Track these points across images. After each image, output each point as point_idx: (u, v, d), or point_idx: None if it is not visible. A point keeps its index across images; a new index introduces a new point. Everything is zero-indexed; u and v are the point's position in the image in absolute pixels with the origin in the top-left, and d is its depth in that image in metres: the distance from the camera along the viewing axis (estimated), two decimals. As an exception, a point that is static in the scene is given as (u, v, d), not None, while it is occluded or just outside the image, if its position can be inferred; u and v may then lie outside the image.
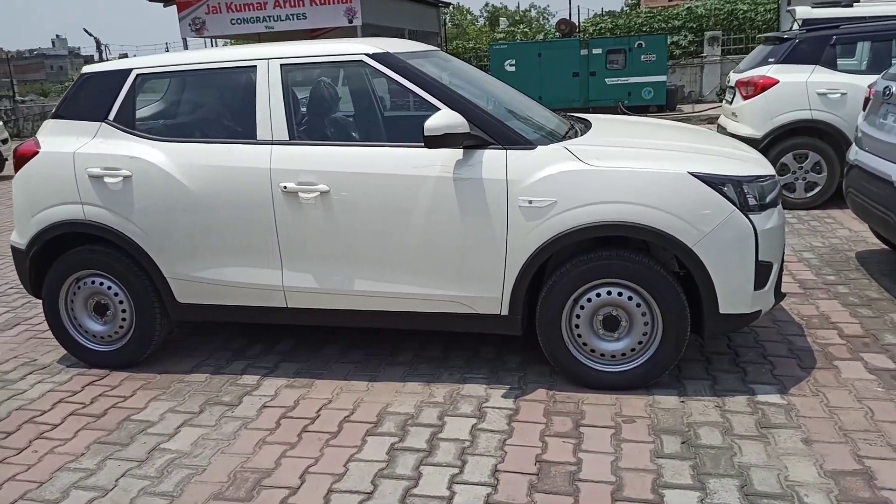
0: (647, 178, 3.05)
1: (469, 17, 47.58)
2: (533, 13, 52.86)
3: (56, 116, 3.76)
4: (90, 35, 22.18)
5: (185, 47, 15.31)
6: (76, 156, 3.60)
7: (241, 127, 3.54)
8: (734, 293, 3.11)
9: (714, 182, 3.04)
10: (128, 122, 3.64)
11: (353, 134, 3.63)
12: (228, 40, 14.38)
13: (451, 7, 20.46)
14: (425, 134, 3.03)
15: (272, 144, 3.42)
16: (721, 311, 3.12)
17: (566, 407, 3.16)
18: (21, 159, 3.73)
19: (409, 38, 17.48)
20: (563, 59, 16.37)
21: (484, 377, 3.49)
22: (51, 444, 3.10)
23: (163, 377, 3.70)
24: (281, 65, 3.47)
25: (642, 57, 16.05)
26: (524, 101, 4.22)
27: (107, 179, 3.55)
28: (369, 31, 17.69)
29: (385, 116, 3.79)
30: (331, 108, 3.72)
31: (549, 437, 2.92)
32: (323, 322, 3.57)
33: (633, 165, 3.08)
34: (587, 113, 15.72)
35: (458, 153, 3.21)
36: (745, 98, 6.77)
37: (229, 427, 3.15)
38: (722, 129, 7.36)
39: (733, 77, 7.31)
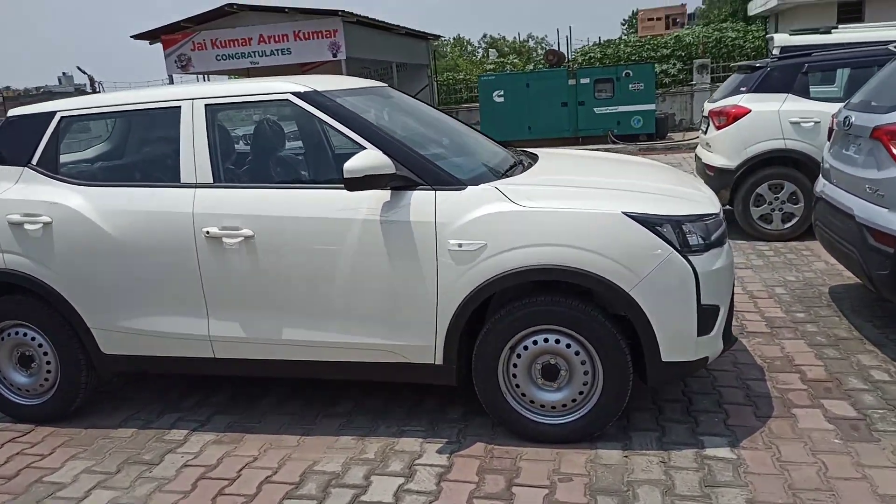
0: (579, 218, 2.89)
1: (469, 47, 48.00)
2: (531, 43, 53.30)
3: (-22, 161, 3.63)
4: (84, 73, 22.33)
5: (172, 83, 15.34)
6: (-6, 203, 3.47)
7: (165, 170, 3.40)
8: (676, 340, 2.93)
9: (650, 222, 2.87)
10: (51, 167, 3.50)
11: (279, 176, 3.49)
12: (207, 77, 14.39)
13: (440, 39, 20.50)
14: (345, 176, 2.88)
15: (195, 188, 3.28)
16: (663, 359, 2.94)
17: (502, 463, 2.96)
18: (-57, 205, 3.58)
19: (398, 72, 17.62)
20: (552, 89, 16.35)
21: (422, 430, 3.30)
22: (-50, 510, 2.91)
23: (88, 433, 3.51)
24: (205, 105, 3.33)
25: (630, 86, 16.00)
26: (470, 136, 4.10)
27: (27, 226, 3.41)
28: (355, 64, 17.75)
29: (311, 157, 3.65)
30: (257, 149, 3.58)
31: (478, 500, 2.72)
32: (253, 373, 3.39)
33: (565, 206, 2.92)
34: (577, 143, 15.79)
35: (385, 195, 3.06)
36: (718, 128, 6.64)
37: (143, 489, 2.95)
38: (698, 160, 7.23)
39: (707, 106, 7.19)
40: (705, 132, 7.08)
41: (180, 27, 13.89)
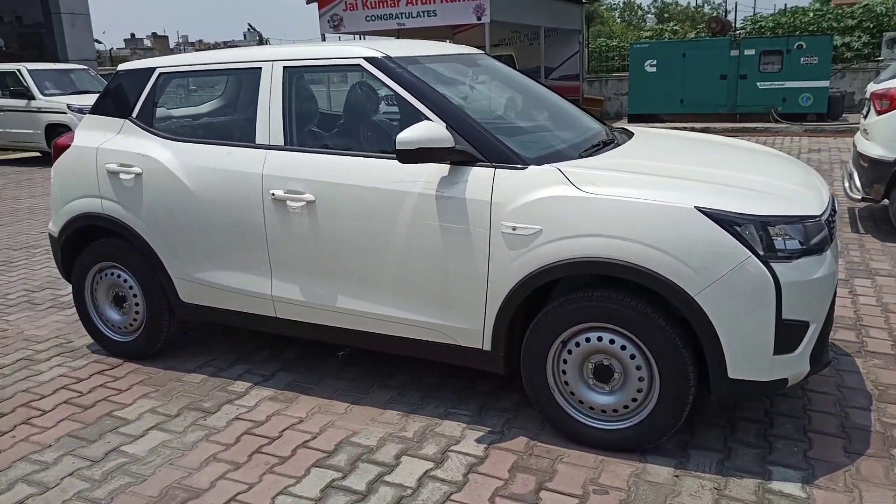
0: (644, 210, 2.60)
1: (639, 13, 45.70)
2: (706, 9, 49.87)
3: (93, 111, 3.89)
4: (253, 30, 23.68)
5: (324, 41, 15.87)
6: (98, 151, 3.71)
7: (244, 129, 3.46)
8: (747, 355, 2.58)
9: (726, 220, 2.53)
10: (147, 120, 3.68)
11: (347, 142, 3.43)
12: (362, 36, 14.70)
13: (596, 4, 19.60)
14: (396, 147, 2.78)
15: (267, 149, 3.31)
16: (730, 375, 2.61)
17: (539, 463, 2.79)
18: (57, 151, 3.90)
19: (546, 37, 17.10)
20: (711, 59, 15.18)
21: (468, 415, 3.18)
22: (30, 430, 3.19)
23: (165, 374, 3.73)
24: (284, 67, 3.34)
25: (802, 59, 14.51)
26: (564, 111, 3.83)
27: (121, 176, 3.61)
28: (501, 28, 17.43)
29: (381, 125, 3.56)
30: (329, 114, 3.55)
31: (501, 499, 2.57)
32: (309, 336, 3.42)
33: (631, 194, 2.64)
34: (734, 120, 14.64)
35: (443, 169, 2.92)
36: (879, 113, 5.82)
37: (192, 436, 3.08)
38: (854, 148, 6.40)
39: (870, 87, 6.31)
40: (865, 116, 6.24)
41: (334, -13, 14.29)
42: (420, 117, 2.98)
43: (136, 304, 3.81)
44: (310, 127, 3.40)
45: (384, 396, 3.39)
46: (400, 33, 16.99)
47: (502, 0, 13.26)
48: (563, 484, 2.65)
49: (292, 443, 3.00)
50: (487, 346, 2.97)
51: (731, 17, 17.00)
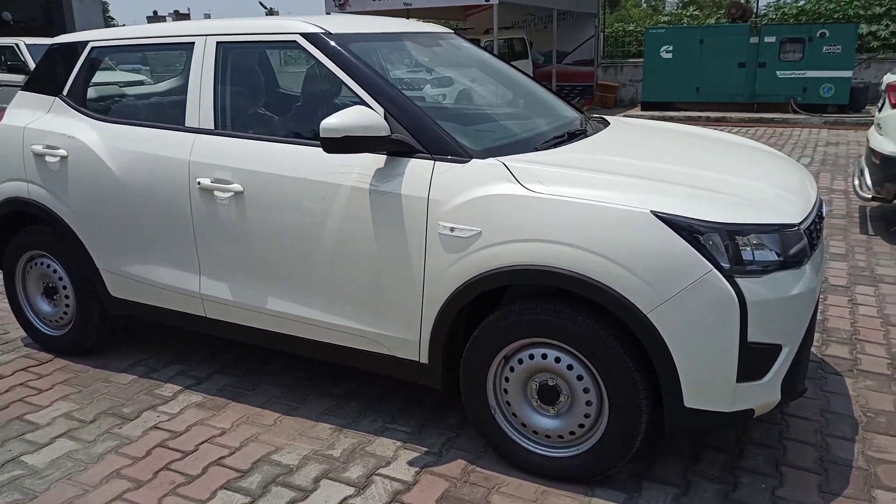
0: (594, 212, 2.27)
1: None
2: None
3: (24, 88, 3.61)
4: (264, 7, 23.33)
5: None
6: (25, 131, 3.43)
7: (175, 110, 3.16)
8: (706, 383, 2.25)
9: (686, 227, 2.19)
10: (78, 99, 3.39)
11: (282, 127, 3.11)
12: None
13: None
14: (320, 134, 2.46)
15: (196, 133, 3.01)
16: (686, 405, 2.28)
17: (472, 493, 2.48)
18: (-18, 127, 3.62)
19: (560, 20, 16.60)
20: (729, 46, 14.65)
21: (406, 432, 2.88)
22: (-69, 434, 2.94)
23: (93, 373, 3.46)
24: (217, 42, 3.03)
25: (825, 48, 13.95)
26: (533, 97, 3.49)
27: (47, 158, 3.33)
28: (512, 10, 16.94)
29: (318, 109, 3.23)
30: (264, 95, 3.23)
31: (420, 536, 2.28)
32: (240, 338, 3.13)
33: (580, 195, 2.30)
34: (751, 110, 14.10)
35: (379, 160, 2.60)
36: (894, 106, 5.39)
37: (101, 447, 2.81)
38: (867, 143, 5.98)
39: (887, 78, 5.87)
40: (880, 110, 5.82)
41: (341, -35, 13.90)
42: (357, 101, 2.66)
43: (67, 297, 3.54)
44: (246, 110, 3.09)
45: (321, 407, 3.10)
46: (409, 13, 16.61)
47: (512, -20, 12.81)
48: (493, 520, 2.35)
49: (206, 459, 2.71)
50: (424, 359, 2.66)
51: (754, 3, 16.31)
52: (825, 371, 3.34)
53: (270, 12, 23.63)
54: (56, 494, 2.52)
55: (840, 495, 2.44)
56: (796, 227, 2.31)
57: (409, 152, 2.57)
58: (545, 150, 2.71)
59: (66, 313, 3.58)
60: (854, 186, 5.84)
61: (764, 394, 2.31)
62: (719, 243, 2.19)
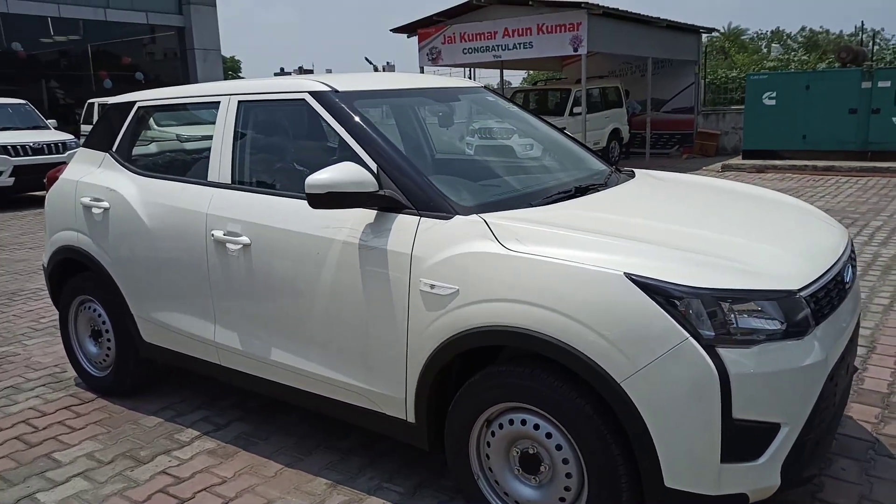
0: (567, 273, 2.16)
1: (788, 41, 42.64)
2: (864, 37, 46.27)
3: (84, 145, 3.92)
4: (370, 63, 24.39)
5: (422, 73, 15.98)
6: (78, 184, 3.71)
7: (202, 166, 3.32)
8: (686, 461, 2.06)
9: (661, 292, 2.04)
10: (124, 154, 3.64)
11: (287, 182, 3.17)
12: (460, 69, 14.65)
13: (714, 33, 18.51)
14: (305, 190, 2.50)
15: (215, 187, 3.15)
16: (666, 485, 2.09)
17: (448, 563, 2.38)
18: (50, 183, 3.95)
19: (657, 68, 16.31)
20: (838, 92, 13.85)
21: (400, 492, 2.81)
22: (-32, 466, 3.15)
23: (125, 414, 3.63)
24: (238, 101, 3.18)
25: (948, 92, 12.91)
26: (556, 151, 3.42)
27: (93, 210, 3.58)
28: (605, 59, 16.82)
29: (322, 164, 3.25)
30: (277, 151, 3.32)
31: None
32: (250, 387, 3.19)
33: (555, 254, 2.21)
34: (864, 158, 13.23)
35: (370, 215, 2.61)
36: None
37: (109, 488, 2.92)
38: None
39: None
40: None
41: (433, 21, 14.31)
42: (355, 157, 2.70)
43: (109, 340, 3.75)
44: (259, 165, 3.20)
45: (324, 460, 3.08)
46: (504, 65, 16.87)
47: (601, 30, 12.75)
48: None
49: (199, 507, 2.76)
50: (411, 418, 2.60)
51: (868, 48, 15.41)
52: (877, 452, 2.99)
53: (373, 66, 24.69)
54: (53, 533, 2.63)
55: None
56: (795, 295, 2.11)
57: (398, 208, 2.57)
58: (542, 206, 2.63)
59: (108, 356, 3.78)
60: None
61: (759, 478, 2.09)
62: (700, 310, 2.03)
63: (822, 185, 11.65)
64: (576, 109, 13.79)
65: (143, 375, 3.79)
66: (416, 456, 3.06)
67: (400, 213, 2.56)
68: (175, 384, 3.96)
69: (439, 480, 2.88)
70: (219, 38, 22.56)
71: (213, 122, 3.28)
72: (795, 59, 18.14)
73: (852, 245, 2.85)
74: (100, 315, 3.76)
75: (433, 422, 2.57)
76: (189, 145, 3.79)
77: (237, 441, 3.30)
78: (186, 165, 3.59)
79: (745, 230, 2.52)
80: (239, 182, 3.11)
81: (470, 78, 20.38)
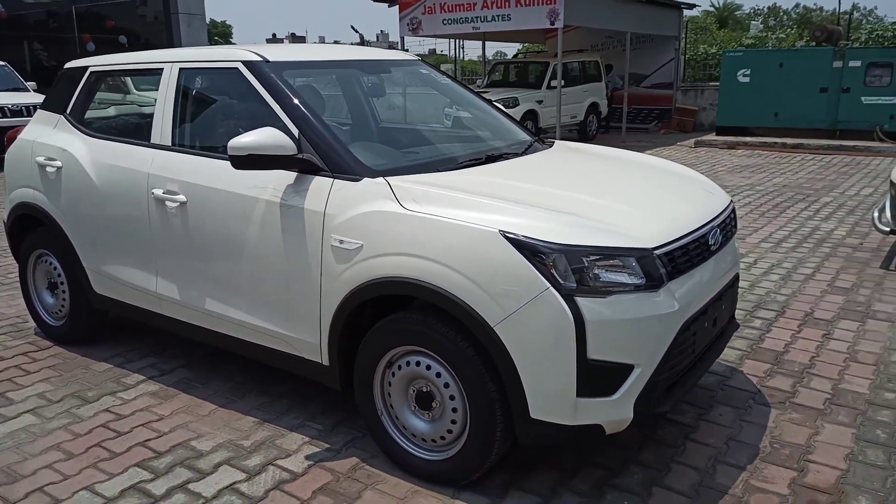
0: (451, 230, 2.43)
1: (783, 17, 42.23)
2: (856, 16, 46.05)
3: (41, 107, 4.13)
4: (356, 32, 24.36)
5: (402, 45, 16.07)
6: (34, 144, 3.93)
7: (147, 128, 3.54)
8: (547, 395, 2.36)
9: (528, 248, 2.31)
10: (77, 117, 3.86)
11: (221, 145, 3.40)
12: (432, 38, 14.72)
13: (698, 8, 18.61)
14: (228, 153, 2.75)
15: (156, 149, 3.38)
16: (532, 416, 2.39)
17: (350, 487, 2.68)
18: (9, 143, 4.16)
19: (635, 43, 16.43)
20: (810, 71, 14.09)
21: (319, 429, 3.11)
22: (-73, 402, 3.42)
23: (79, 360, 3.89)
24: (179, 68, 3.40)
25: (916, 73, 13.16)
26: (480, 122, 3.66)
27: (47, 168, 3.81)
28: (588, 33, 16.94)
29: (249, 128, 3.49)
30: (213, 116, 3.56)
31: (282, 519, 2.49)
32: (190, 335, 3.46)
33: (443, 214, 2.48)
34: (833, 136, 13.50)
35: (290, 177, 2.87)
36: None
37: (55, 423, 3.20)
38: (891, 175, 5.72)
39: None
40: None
41: (414, -9, 14.40)
42: (280, 123, 2.94)
43: (64, 292, 4.00)
44: (196, 128, 3.43)
45: (255, 402, 3.37)
46: (486, 36, 16.94)
47: (579, 5, 12.86)
48: (354, 512, 2.53)
49: (134, 440, 3.04)
50: (326, 361, 2.88)
51: (844, 27, 15.59)
52: (755, 401, 3.30)
53: (362, 39, 24.65)
54: (1, 459, 2.91)
55: (699, 519, 2.46)
56: (650, 253, 2.38)
57: (315, 170, 2.82)
58: (448, 171, 2.89)
59: (63, 306, 4.04)
60: (873, 218, 5.60)
61: (612, 411, 2.39)
62: (563, 264, 2.30)
63: (787, 161, 11.94)
64: (554, 83, 13.94)
65: (97, 325, 4.05)
66: (339, 400, 3.35)
67: (317, 175, 2.81)
68: (128, 335, 4.23)
69: (356, 420, 3.17)
70: (203, 4, 22.39)
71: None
72: (774, 36, 18.30)
73: (733, 213, 3.13)
74: (55, 268, 4.00)
75: (345, 364, 2.85)
76: (138, 109, 4.00)
77: (178, 385, 3.58)
78: (134, 128, 3.82)
79: (624, 196, 2.80)
80: (179, 144, 3.34)
81: (462, 50, 20.35)
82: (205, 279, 3.22)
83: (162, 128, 3.39)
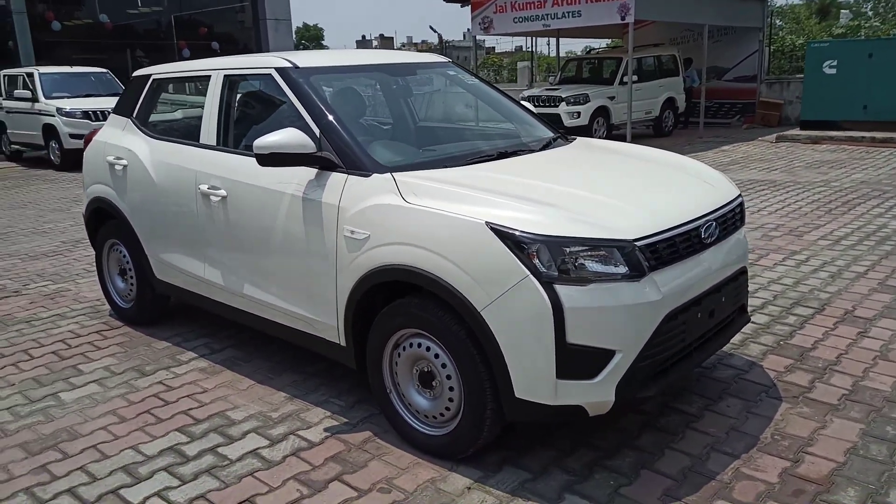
0: (444, 221, 2.63)
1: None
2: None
3: (113, 111, 4.60)
4: (434, 31, 24.72)
5: (475, 43, 16.27)
6: (106, 145, 4.38)
7: (197, 130, 3.90)
8: (530, 376, 2.52)
9: (511, 238, 2.48)
10: (142, 120, 4.29)
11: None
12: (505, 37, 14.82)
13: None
14: (254, 151, 3.04)
15: (204, 148, 3.74)
16: (517, 395, 2.56)
17: (358, 457, 2.92)
18: (87, 143, 4.65)
19: (720, 36, 15.98)
20: (903, 61, 13.33)
21: (341, 405, 3.37)
22: (9, 371, 3.91)
23: (144, 339, 4.33)
24: (224, 75, 3.74)
25: None
26: (506, 117, 3.86)
27: (116, 167, 4.25)
28: (665, 27, 16.61)
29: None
30: (250, 117, 3.87)
31: (292, 482, 2.76)
32: (232, 318, 3.80)
33: (437, 206, 2.68)
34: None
35: (311, 173, 3.14)
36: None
37: (114, 392, 3.61)
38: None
39: None
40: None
41: (486, -10, 14.58)
42: (304, 123, 3.21)
43: (131, 277, 4.45)
44: (238, 129, 3.76)
45: (289, 380, 3.67)
46: (561, 33, 16.92)
47: (650, -1, 12.70)
48: (358, 479, 2.77)
49: (179, 408, 3.40)
50: (343, 342, 3.14)
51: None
52: (768, 395, 3.33)
53: (440, 39, 25.02)
54: (66, 420, 3.32)
55: (679, 500, 2.56)
56: (629, 243, 2.50)
57: (332, 167, 3.08)
58: (455, 167, 3.08)
59: (131, 290, 4.49)
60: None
61: (594, 393, 2.53)
62: (545, 253, 2.46)
63: (872, 157, 11.40)
64: (626, 78, 13.80)
65: (160, 308, 4.48)
66: (364, 380, 3.59)
67: (334, 171, 3.07)
68: (188, 318, 4.64)
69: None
70: (289, 9, 23.37)
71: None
72: (867, 25, 17.35)
73: (740, 207, 3.18)
74: (124, 256, 4.45)
75: (359, 345, 3.10)
76: (194, 112, 4.39)
77: (225, 362, 3.94)
78: (187, 129, 4.19)
79: (616, 190, 2.92)
80: (223, 144, 3.69)
81: (548, 46, 20.19)
82: (242, 266, 3.54)
83: (208, 129, 3.74)
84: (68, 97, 13.27)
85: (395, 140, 3.67)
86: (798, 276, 5.09)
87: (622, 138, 12.96)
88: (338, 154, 3.07)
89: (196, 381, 3.71)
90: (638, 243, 2.53)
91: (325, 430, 3.16)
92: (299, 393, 3.52)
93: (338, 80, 3.60)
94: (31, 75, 13.66)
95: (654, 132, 15.66)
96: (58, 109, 12.80)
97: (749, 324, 4.11)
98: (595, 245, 2.48)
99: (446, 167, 3.08)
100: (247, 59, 3.72)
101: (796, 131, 14.49)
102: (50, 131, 13.05)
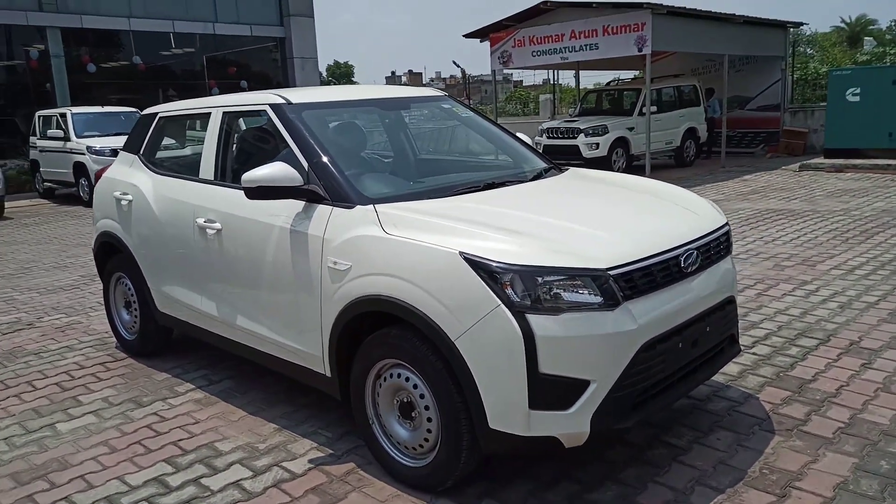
0: (419, 252, 2.66)
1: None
2: None
3: (123, 148, 4.74)
4: (458, 66, 25.10)
5: (494, 77, 16.45)
6: (113, 181, 4.52)
7: (197, 165, 4.00)
8: (503, 407, 2.51)
9: (483, 268, 2.49)
10: (148, 156, 4.41)
11: None
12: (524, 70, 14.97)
13: (803, 27, 17.82)
14: (242, 184, 3.11)
15: (202, 183, 3.83)
16: (490, 426, 2.54)
17: (339, 489, 2.92)
18: (97, 179, 4.79)
19: (741, 65, 15.94)
20: (929, 88, 13.13)
21: (328, 437, 3.38)
22: (12, 401, 3.99)
23: (144, 370, 4.39)
24: (223, 112, 3.85)
25: None
26: (499, 149, 3.90)
27: (121, 202, 4.37)
28: (686, 57, 16.61)
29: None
30: (246, 152, 3.95)
31: (272, 513, 2.77)
32: (228, 349, 3.85)
33: (413, 237, 2.71)
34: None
35: (299, 205, 3.19)
36: None
37: (110, 423, 3.66)
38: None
39: None
40: None
41: (504, 25, 14.73)
42: (294, 157, 3.28)
43: (135, 309, 4.54)
44: (234, 163, 3.85)
45: (280, 411, 3.69)
46: (581, 65, 17.02)
47: (667, 31, 12.74)
48: (335, 511, 2.76)
49: (169, 439, 3.43)
50: (328, 373, 3.16)
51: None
52: (761, 428, 3.26)
53: (463, 74, 25.35)
54: (59, 451, 3.38)
55: (658, 535, 2.50)
56: (602, 273, 2.50)
57: (319, 199, 3.13)
58: (438, 198, 3.11)
59: (135, 322, 4.58)
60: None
61: (568, 424, 2.50)
62: (517, 282, 2.46)
63: (896, 185, 11.19)
64: (646, 109, 13.82)
65: (162, 339, 4.55)
66: (352, 412, 3.60)
67: (321, 203, 3.12)
68: (190, 349, 4.70)
69: (364, 430, 3.41)
70: (316, 48, 23.90)
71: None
72: (892, 51, 17.16)
73: (725, 236, 3.15)
74: (129, 288, 4.55)
75: (343, 376, 3.11)
76: (199, 147, 4.51)
77: (220, 393, 3.97)
78: (188, 165, 4.31)
79: (595, 220, 2.92)
80: (220, 178, 3.78)
81: (574, 79, 20.22)
82: (236, 298, 3.60)
83: (207, 164, 3.83)
84: (98, 136, 13.72)
85: (394, 173, 3.73)
86: (806, 307, 4.99)
87: (642, 168, 12.93)
88: (324, 187, 3.12)
89: (190, 412, 3.75)
90: (612, 272, 2.52)
91: (310, 461, 3.16)
92: (289, 424, 3.53)
93: (331, 115, 3.67)
94: (63, 115, 14.19)
95: (675, 162, 15.58)
96: (88, 148, 13.23)
97: (749, 355, 4.06)
98: (569, 274, 2.48)
99: (430, 198, 3.11)
100: (244, 97, 3.83)
101: (820, 160, 14.28)
102: (80, 169, 13.49)
